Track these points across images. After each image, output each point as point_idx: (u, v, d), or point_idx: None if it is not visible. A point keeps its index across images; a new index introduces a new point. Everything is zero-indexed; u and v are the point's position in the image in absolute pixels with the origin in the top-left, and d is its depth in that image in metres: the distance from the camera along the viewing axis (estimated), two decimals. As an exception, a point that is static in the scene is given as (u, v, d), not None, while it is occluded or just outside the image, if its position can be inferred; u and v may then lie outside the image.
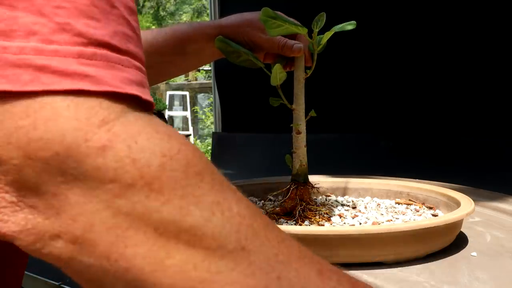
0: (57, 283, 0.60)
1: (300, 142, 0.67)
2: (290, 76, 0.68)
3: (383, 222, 0.63)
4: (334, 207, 0.71)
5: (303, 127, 0.67)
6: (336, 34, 0.64)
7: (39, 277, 0.61)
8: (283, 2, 0.95)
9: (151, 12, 13.99)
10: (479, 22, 1.20)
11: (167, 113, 5.19)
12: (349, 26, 0.64)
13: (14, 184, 0.20)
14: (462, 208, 0.61)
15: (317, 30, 0.65)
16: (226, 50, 0.65)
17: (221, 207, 0.22)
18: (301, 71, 0.67)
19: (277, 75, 0.63)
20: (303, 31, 0.64)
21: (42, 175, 0.20)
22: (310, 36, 0.66)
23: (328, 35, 0.65)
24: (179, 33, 0.68)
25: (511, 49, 1.17)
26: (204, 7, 12.48)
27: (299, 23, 0.64)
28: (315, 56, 0.67)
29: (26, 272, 0.53)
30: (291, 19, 0.63)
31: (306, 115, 0.68)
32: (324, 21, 0.65)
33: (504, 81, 1.18)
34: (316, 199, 0.74)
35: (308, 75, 0.67)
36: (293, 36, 0.67)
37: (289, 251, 0.24)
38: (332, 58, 0.90)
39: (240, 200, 0.24)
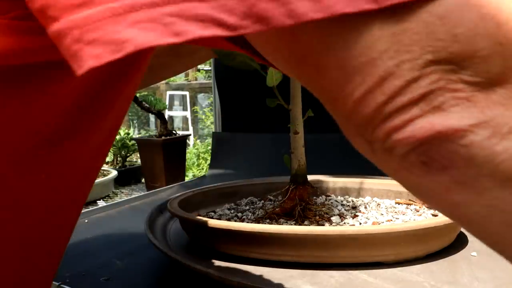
0: (57, 283, 0.59)
1: (298, 142, 0.67)
2: (288, 77, 0.68)
3: (383, 222, 0.63)
4: (334, 207, 0.71)
5: (300, 127, 0.67)
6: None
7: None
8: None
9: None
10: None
11: (167, 113, 5.20)
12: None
13: (470, 77, 0.19)
14: (462, 208, 0.61)
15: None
16: (220, 53, 0.65)
17: None
18: (299, 71, 0.67)
19: (273, 76, 0.63)
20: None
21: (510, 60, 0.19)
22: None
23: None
24: None
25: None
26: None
27: None
28: None
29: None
30: None
31: (304, 115, 0.68)
32: None
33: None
34: (316, 199, 0.74)
35: (307, 75, 0.67)
36: None
37: None
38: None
39: None
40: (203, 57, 0.72)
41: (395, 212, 0.69)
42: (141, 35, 0.19)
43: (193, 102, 5.88)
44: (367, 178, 0.85)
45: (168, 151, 1.84)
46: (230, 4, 0.19)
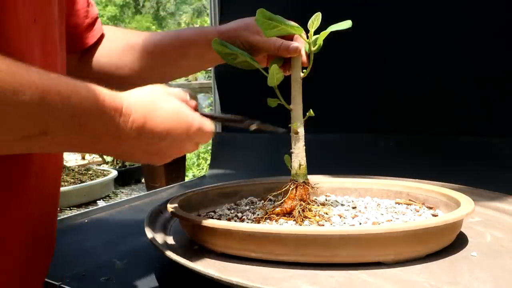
0: (57, 283, 0.60)
1: (299, 142, 0.67)
2: (288, 77, 0.68)
3: (383, 222, 0.63)
4: (334, 207, 0.71)
5: (301, 127, 0.67)
6: (332, 33, 0.64)
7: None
8: (280, 3, 0.95)
9: (151, 12, 14.00)
10: (479, 20, 1.20)
11: (167, 113, 5.19)
12: (345, 25, 0.64)
13: None
14: (462, 208, 0.61)
15: (313, 30, 0.65)
16: (223, 52, 0.65)
17: None
18: (298, 72, 0.67)
19: (274, 76, 0.63)
20: (299, 31, 0.64)
21: None
22: (307, 37, 0.66)
23: (324, 35, 0.65)
24: (182, 37, 0.71)
25: (511, 48, 1.17)
26: (204, 7, 12.47)
27: (296, 24, 0.64)
28: (312, 56, 0.67)
29: (25, 273, 0.52)
30: (289, 21, 0.64)
31: (304, 115, 0.68)
32: (320, 21, 0.65)
33: (504, 80, 1.18)
34: (316, 199, 0.74)
35: (305, 75, 0.67)
36: (289, 37, 0.68)
37: None
38: (329, 57, 0.90)
39: None
40: (211, 60, 0.73)
41: (395, 212, 0.69)
42: None
43: (193, 102, 5.88)
44: (367, 178, 0.85)
45: (168, 151, 1.83)
46: None
